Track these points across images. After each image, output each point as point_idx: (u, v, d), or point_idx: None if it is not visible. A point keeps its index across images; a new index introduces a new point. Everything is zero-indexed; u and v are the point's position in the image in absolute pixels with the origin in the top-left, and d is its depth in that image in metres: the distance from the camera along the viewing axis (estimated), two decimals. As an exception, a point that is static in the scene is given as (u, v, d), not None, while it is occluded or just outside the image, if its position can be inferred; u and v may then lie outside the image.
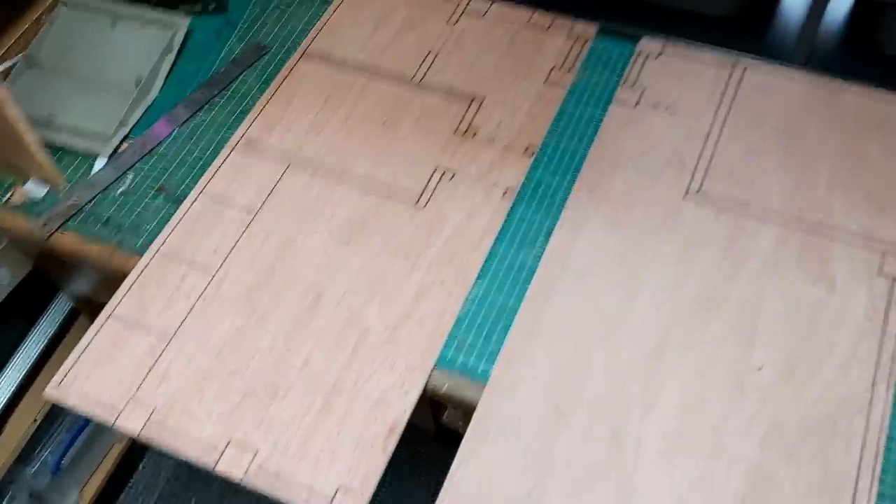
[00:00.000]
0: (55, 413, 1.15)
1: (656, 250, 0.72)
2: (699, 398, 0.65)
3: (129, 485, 1.37)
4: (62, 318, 1.11)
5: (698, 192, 0.75)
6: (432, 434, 0.80)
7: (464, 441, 0.64)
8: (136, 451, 1.36)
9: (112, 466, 1.30)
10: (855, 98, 0.81)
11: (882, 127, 0.78)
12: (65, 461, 1.18)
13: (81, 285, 1.02)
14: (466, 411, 0.68)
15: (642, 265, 0.72)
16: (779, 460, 0.61)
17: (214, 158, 0.82)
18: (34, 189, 0.82)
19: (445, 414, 0.82)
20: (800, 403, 0.64)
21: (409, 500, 1.33)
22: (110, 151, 0.84)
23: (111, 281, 0.78)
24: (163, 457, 1.39)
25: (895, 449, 0.62)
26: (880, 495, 0.60)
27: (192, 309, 0.72)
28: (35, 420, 1.09)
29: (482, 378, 0.67)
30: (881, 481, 0.60)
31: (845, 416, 0.63)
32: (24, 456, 1.12)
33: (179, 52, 0.92)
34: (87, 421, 1.20)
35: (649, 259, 0.72)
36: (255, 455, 0.64)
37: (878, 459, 0.61)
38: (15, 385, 1.06)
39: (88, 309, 1.10)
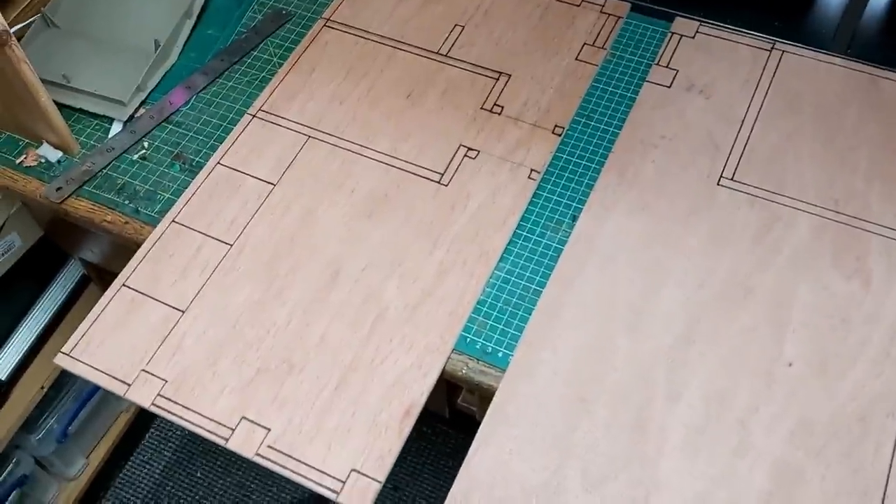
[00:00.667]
0: (62, 381, 1.14)
1: (687, 237, 0.70)
2: (726, 390, 0.63)
3: (136, 453, 1.37)
4: (73, 285, 1.10)
5: (732, 178, 0.73)
6: (447, 417, 0.78)
7: (482, 425, 0.62)
8: (143, 420, 1.36)
9: (119, 435, 1.30)
10: (895, 87, 0.78)
11: (923, 118, 0.76)
12: (71, 429, 1.18)
13: (93, 253, 1.01)
14: (484, 395, 0.66)
15: (672, 251, 0.69)
16: (806, 458, 0.60)
17: (233, 127, 0.80)
18: (48, 152, 0.80)
19: (460, 397, 0.80)
20: (830, 401, 0.62)
21: (415, 480, 1.32)
22: (127, 117, 0.82)
23: (124, 249, 0.76)
24: (170, 427, 1.39)
25: (928, 451, 0.60)
26: (911, 498, 0.58)
27: (207, 280, 0.70)
28: (42, 387, 1.08)
29: (502, 362, 0.65)
30: (913, 485, 0.58)
31: (877, 417, 0.61)
32: (31, 423, 1.11)
33: (199, 17, 0.90)
34: (93, 389, 1.19)
35: (679, 245, 0.70)
36: (268, 433, 0.62)
37: (910, 462, 0.59)
38: (23, 351, 1.05)
39: (99, 277, 1.09)
